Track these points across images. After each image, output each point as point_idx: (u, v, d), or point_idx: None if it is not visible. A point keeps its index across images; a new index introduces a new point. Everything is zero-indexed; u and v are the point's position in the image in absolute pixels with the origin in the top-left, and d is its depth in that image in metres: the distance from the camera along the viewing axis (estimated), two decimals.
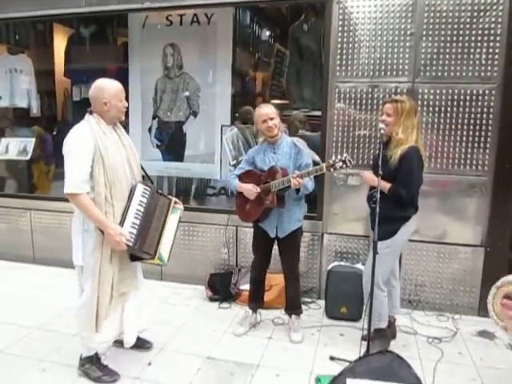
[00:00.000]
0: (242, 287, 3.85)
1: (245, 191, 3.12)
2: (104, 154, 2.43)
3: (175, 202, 2.82)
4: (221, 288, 3.88)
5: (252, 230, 3.39)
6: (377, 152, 3.31)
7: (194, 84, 4.60)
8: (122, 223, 2.46)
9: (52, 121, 5.68)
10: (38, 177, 5.53)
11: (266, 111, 3.04)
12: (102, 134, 2.46)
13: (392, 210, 2.77)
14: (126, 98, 2.66)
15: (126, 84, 4.59)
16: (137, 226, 2.49)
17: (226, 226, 4.10)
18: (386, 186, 2.77)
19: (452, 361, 2.96)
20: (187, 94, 4.63)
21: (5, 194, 5.00)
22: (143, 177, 2.80)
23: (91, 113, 2.54)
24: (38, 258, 4.72)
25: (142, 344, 3.02)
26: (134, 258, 2.63)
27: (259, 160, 3.15)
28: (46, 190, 5.42)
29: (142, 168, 2.80)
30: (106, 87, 2.53)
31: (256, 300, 3.40)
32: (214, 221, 4.18)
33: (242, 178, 3.20)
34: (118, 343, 2.88)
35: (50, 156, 5.30)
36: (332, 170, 2.80)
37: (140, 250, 2.52)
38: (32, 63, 5.10)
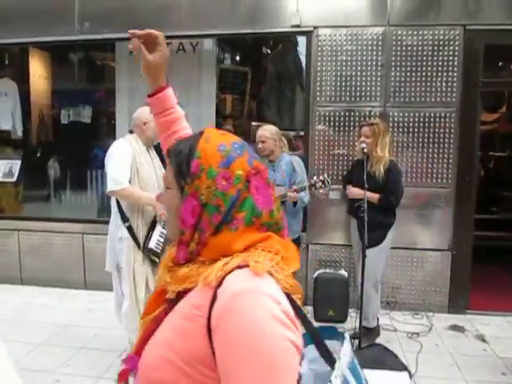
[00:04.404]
0: None
1: None
2: (140, 167, 2.79)
3: None
4: None
5: None
6: (346, 169, 3.83)
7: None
8: (151, 232, 2.81)
9: (32, 143, 5.73)
10: (7, 199, 5.46)
11: (260, 134, 3.39)
12: (139, 151, 2.82)
13: (379, 218, 3.19)
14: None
15: (113, 107, 4.80)
16: (164, 236, 2.81)
17: None
18: (374, 196, 3.19)
19: (430, 351, 3.35)
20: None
21: None
22: None
23: (131, 132, 2.92)
24: (26, 278, 4.75)
25: None
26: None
27: None
28: (15, 213, 5.29)
29: None
30: (147, 111, 2.90)
31: None
32: None
33: None
34: None
35: (25, 178, 5.21)
36: (313, 188, 3.17)
37: None
38: (16, 86, 5.18)
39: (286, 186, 3.33)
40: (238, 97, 5.60)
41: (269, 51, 5.54)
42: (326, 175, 3.20)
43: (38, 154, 5.49)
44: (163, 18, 4.22)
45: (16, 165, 4.96)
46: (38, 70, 5.73)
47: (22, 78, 5.57)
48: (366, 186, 3.07)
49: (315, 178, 3.21)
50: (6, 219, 4.87)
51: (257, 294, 0.77)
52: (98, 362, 3.08)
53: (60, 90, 5.37)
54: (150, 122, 2.85)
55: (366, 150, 3.22)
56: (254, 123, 5.22)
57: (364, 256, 3.00)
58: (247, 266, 0.80)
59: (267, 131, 3.39)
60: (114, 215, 2.88)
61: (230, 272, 0.79)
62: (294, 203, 3.26)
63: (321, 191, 3.26)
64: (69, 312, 4.05)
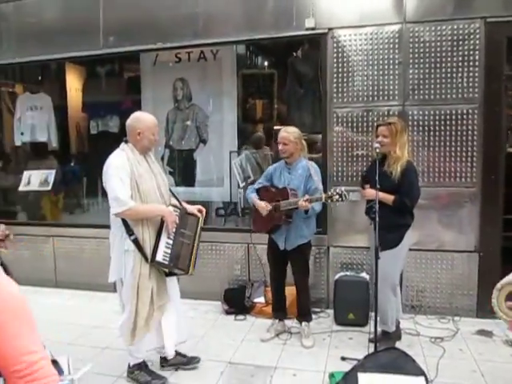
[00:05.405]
0: (255, 300, 4.13)
1: (258, 207, 3.45)
2: (138, 180, 2.73)
3: (199, 211, 3.03)
4: (236, 302, 4.15)
5: (262, 246, 3.75)
6: (365, 169, 3.72)
7: (202, 114, 5.00)
8: (157, 244, 2.75)
9: (68, 153, 6.04)
10: (50, 208, 5.72)
11: (283, 135, 3.40)
12: (137, 162, 2.77)
13: (395, 219, 3.13)
14: None
15: None
16: (170, 246, 2.79)
17: (239, 244, 4.40)
18: (389, 198, 3.13)
19: (453, 356, 3.23)
20: (189, 123, 5.02)
21: (29, 222, 5.33)
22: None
23: (126, 142, 2.83)
24: (60, 281, 4.99)
25: (191, 360, 3.18)
26: (168, 273, 2.91)
27: (276, 177, 3.51)
28: (56, 219, 5.63)
29: (172, 192, 3.09)
30: (142, 119, 2.84)
31: (277, 309, 3.69)
32: (226, 239, 4.48)
33: (260, 192, 3.54)
34: (163, 361, 3.15)
35: (59, 186, 5.54)
36: (329, 201, 3.15)
37: (175, 267, 2.82)
38: (51, 100, 5.49)
39: (301, 191, 3.34)
40: (266, 101, 5.64)
41: (294, 54, 5.55)
42: (343, 188, 3.12)
43: (72, 164, 5.77)
44: (182, 29, 4.36)
45: (51, 174, 5.24)
46: (74, 84, 6.06)
47: (58, 92, 5.90)
48: (378, 186, 3.01)
49: (332, 190, 3.15)
50: (42, 226, 5.15)
51: None
52: (119, 362, 3.18)
53: (91, 101, 5.62)
54: (145, 131, 2.77)
55: (378, 150, 3.17)
56: (276, 127, 5.23)
57: (377, 258, 2.94)
58: None
59: (291, 135, 3.40)
60: (117, 228, 2.80)
61: None
62: (306, 211, 3.26)
63: (337, 204, 3.20)
64: (97, 314, 4.22)
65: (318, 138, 4.81)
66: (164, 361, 3.15)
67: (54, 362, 1.50)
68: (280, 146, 3.39)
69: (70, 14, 4.63)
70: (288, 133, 3.42)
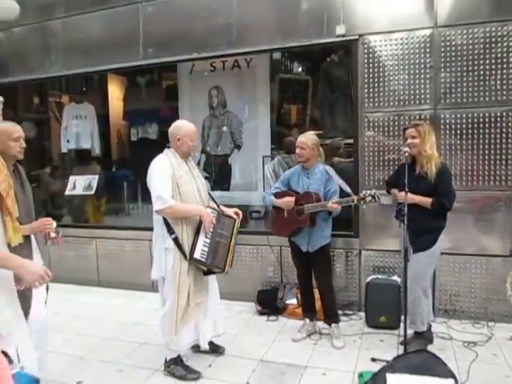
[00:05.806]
0: (287, 301, 4.22)
1: (282, 204, 3.53)
2: (179, 181, 2.94)
3: (236, 213, 3.23)
4: (268, 303, 4.26)
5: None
6: (391, 174, 3.78)
7: (236, 120, 5.16)
8: (195, 242, 2.93)
9: (109, 159, 6.36)
10: (93, 211, 6.02)
11: (301, 140, 3.51)
12: (178, 165, 2.99)
13: (430, 222, 3.19)
14: None
15: None
16: (208, 245, 2.96)
17: (270, 247, 4.51)
18: (427, 201, 3.16)
19: (486, 361, 3.20)
20: (225, 129, 5.20)
21: (74, 224, 5.66)
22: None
23: (169, 147, 3.08)
24: (102, 281, 5.26)
25: (216, 348, 3.44)
26: (206, 272, 3.08)
27: (293, 182, 3.60)
28: (98, 222, 5.94)
29: (211, 196, 3.29)
30: (181, 126, 3.08)
31: (306, 309, 3.77)
32: (259, 242, 4.60)
33: (277, 197, 3.63)
34: (192, 347, 3.33)
35: (101, 191, 5.82)
36: (362, 202, 3.25)
37: (212, 265, 2.98)
38: (94, 109, 5.81)
39: (321, 193, 3.44)
40: (300, 106, 5.74)
41: (326, 59, 5.63)
42: (375, 190, 3.24)
43: (113, 169, 6.08)
44: (217, 39, 4.53)
45: (94, 179, 5.55)
46: (115, 94, 6.38)
47: (101, 102, 6.24)
48: (407, 189, 3.05)
49: (364, 192, 3.26)
50: (86, 228, 5.46)
51: None
52: (157, 357, 3.34)
53: (131, 110, 5.91)
54: (184, 138, 3.01)
55: (407, 154, 3.20)
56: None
57: (406, 260, 2.98)
58: None
59: (309, 140, 3.51)
60: (159, 228, 3.00)
61: None
62: (330, 213, 3.36)
63: (370, 205, 3.29)
64: (137, 312, 4.44)
65: (341, 144, 4.89)
66: (192, 346, 3.33)
67: (4, 354, 1.74)
68: (297, 150, 3.50)
69: (112, 28, 4.93)
70: (307, 138, 3.52)
